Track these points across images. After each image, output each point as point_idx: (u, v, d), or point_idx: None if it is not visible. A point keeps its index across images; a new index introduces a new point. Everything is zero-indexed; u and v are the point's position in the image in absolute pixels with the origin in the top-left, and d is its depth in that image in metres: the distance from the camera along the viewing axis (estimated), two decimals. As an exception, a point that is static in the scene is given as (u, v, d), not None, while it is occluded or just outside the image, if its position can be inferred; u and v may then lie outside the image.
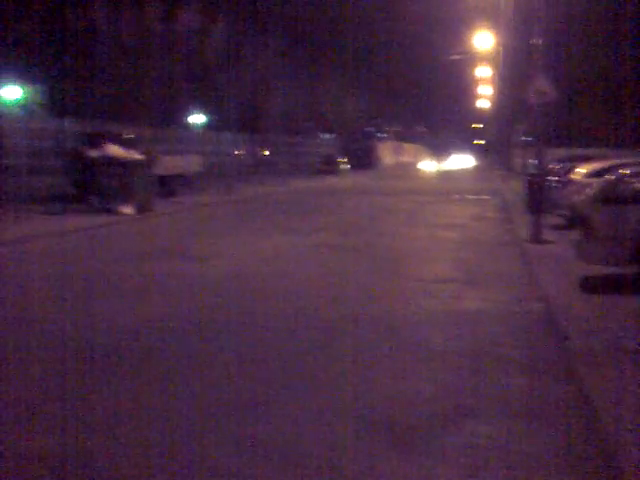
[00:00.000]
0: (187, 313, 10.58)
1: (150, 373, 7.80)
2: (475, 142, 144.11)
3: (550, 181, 22.54)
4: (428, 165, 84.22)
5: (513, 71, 55.89)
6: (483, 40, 75.23)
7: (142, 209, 24.48)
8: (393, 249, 17.75)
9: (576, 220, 14.53)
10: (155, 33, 35.16)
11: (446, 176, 66.92)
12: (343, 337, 9.40)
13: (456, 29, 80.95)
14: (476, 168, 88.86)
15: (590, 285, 12.11)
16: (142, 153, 25.84)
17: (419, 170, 75.59)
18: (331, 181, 53.56)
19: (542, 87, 18.52)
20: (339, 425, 6.42)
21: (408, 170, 73.40)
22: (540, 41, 19.33)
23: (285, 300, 11.54)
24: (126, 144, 26.14)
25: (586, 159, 24.17)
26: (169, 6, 36.78)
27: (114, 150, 24.74)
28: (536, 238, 17.88)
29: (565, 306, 10.52)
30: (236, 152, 49.67)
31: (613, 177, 13.51)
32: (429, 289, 12.50)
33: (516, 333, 9.62)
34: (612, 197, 12.30)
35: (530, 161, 29.15)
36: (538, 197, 18.32)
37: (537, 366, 8.15)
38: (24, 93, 34.95)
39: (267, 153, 60.73)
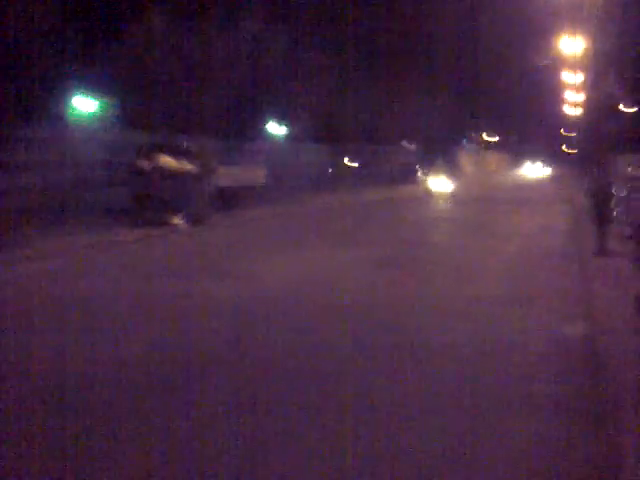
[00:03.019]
0: (196, 340, 9.67)
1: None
2: (564, 150, 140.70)
3: (628, 187, 21.28)
4: (440, 183, 54.06)
5: (598, 76, 54.05)
6: (571, 44, 73.16)
7: (196, 221, 23.78)
8: (444, 263, 16.63)
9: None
10: (219, 43, 34.73)
11: (519, 186, 64.81)
12: (362, 367, 8.39)
13: (544, 34, 78.61)
14: (555, 177, 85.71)
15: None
16: (199, 164, 25.19)
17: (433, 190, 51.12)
18: (407, 190, 52.22)
19: (609, 88, 17.26)
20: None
21: (489, 179, 71.37)
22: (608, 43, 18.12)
23: (300, 328, 10.38)
24: (182, 155, 25.45)
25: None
26: (233, 15, 36.25)
27: (167, 161, 24.15)
28: (600, 250, 16.57)
29: (612, 330, 9.31)
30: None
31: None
32: (469, 310, 11.34)
33: (553, 363, 8.49)
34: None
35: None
36: (602, 207, 16.97)
37: (569, 406, 7.10)
38: (97, 105, 34.64)
39: (353, 164, 59.37)
